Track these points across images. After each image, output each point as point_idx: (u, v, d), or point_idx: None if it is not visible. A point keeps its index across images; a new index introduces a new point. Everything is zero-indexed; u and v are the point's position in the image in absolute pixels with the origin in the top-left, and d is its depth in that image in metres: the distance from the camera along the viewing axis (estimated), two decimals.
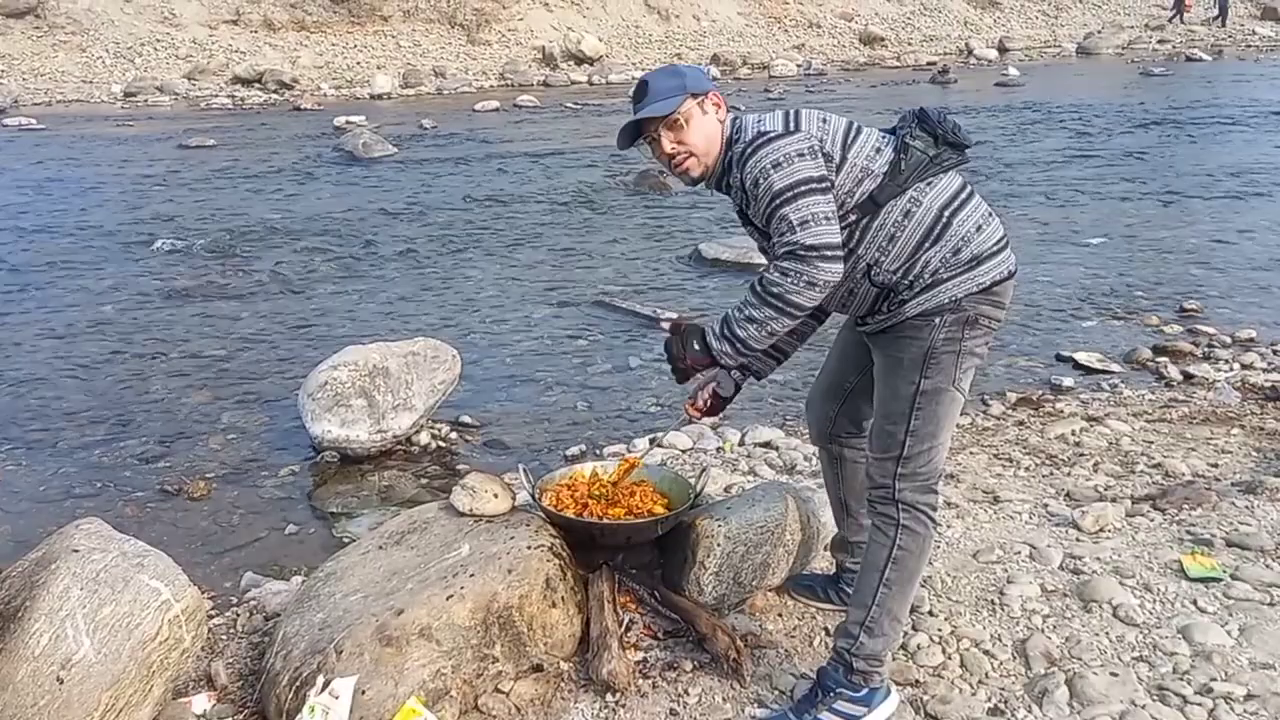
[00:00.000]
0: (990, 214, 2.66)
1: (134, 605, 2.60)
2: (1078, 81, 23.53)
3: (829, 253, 2.44)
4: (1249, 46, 32.14)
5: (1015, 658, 2.98)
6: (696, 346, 2.66)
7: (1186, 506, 3.96)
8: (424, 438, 5.28)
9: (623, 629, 3.10)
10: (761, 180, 2.53)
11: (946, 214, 2.57)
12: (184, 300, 7.91)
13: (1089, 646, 2.99)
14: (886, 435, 2.68)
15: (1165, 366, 5.98)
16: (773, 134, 2.56)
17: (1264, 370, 5.87)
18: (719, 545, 3.15)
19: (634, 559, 3.31)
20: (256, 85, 23.81)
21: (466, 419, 5.53)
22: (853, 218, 2.57)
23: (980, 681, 2.90)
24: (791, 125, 2.59)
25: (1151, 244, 9.14)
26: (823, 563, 3.56)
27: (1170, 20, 36.49)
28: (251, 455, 5.23)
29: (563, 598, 3.03)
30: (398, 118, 18.81)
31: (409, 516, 3.38)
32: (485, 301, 7.78)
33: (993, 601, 3.27)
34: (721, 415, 3.42)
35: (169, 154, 15.16)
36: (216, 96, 22.70)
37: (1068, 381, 5.83)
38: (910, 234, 2.57)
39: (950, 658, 3.00)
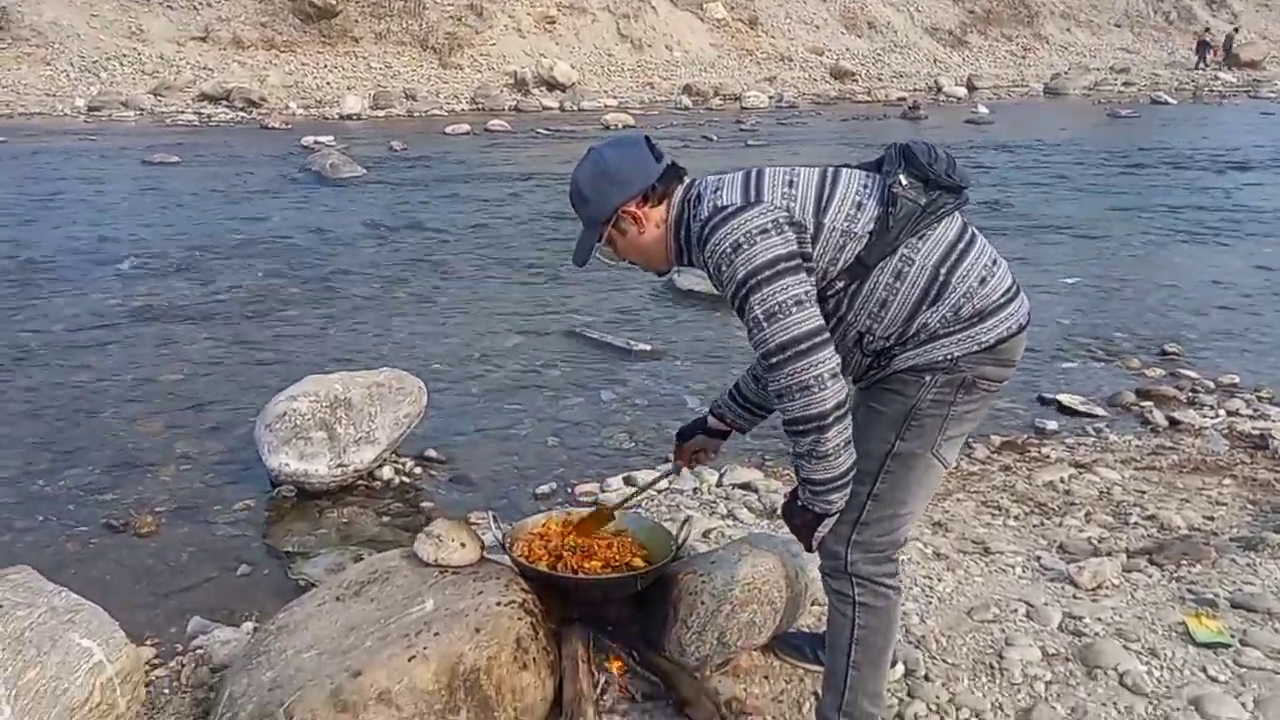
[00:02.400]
0: (996, 260, 2.37)
1: (62, 668, 2.37)
2: (1046, 121, 23.70)
3: (805, 345, 2.18)
4: (1212, 91, 32.62)
5: None
6: (800, 506, 2.38)
7: (1185, 562, 3.80)
8: (387, 472, 5.04)
9: (598, 692, 2.88)
10: (724, 267, 2.25)
11: (943, 271, 2.28)
12: (141, 322, 7.63)
13: (1096, 718, 2.80)
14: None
15: (1150, 411, 5.85)
16: (730, 209, 2.27)
17: (1250, 418, 5.75)
18: (703, 603, 2.95)
19: (611, 615, 3.10)
20: (224, 103, 23.54)
21: (432, 453, 5.29)
22: (840, 284, 2.29)
23: None
24: (752, 194, 2.29)
25: (1126, 284, 9.08)
26: (809, 619, 3.36)
27: (1196, 66, 37.10)
28: (204, 489, 4.96)
29: (534, 659, 2.80)
30: (367, 139, 18.59)
31: (369, 565, 3.15)
32: (453, 330, 7.55)
33: (991, 665, 3.08)
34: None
35: (132, 170, 14.85)
36: (183, 113, 22.40)
37: (1052, 425, 5.69)
38: (904, 297, 2.28)
39: None
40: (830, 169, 2.41)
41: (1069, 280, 9.15)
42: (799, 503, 2.37)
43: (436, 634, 2.71)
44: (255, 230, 10.89)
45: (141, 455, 5.31)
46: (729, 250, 2.24)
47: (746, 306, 2.23)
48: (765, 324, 2.20)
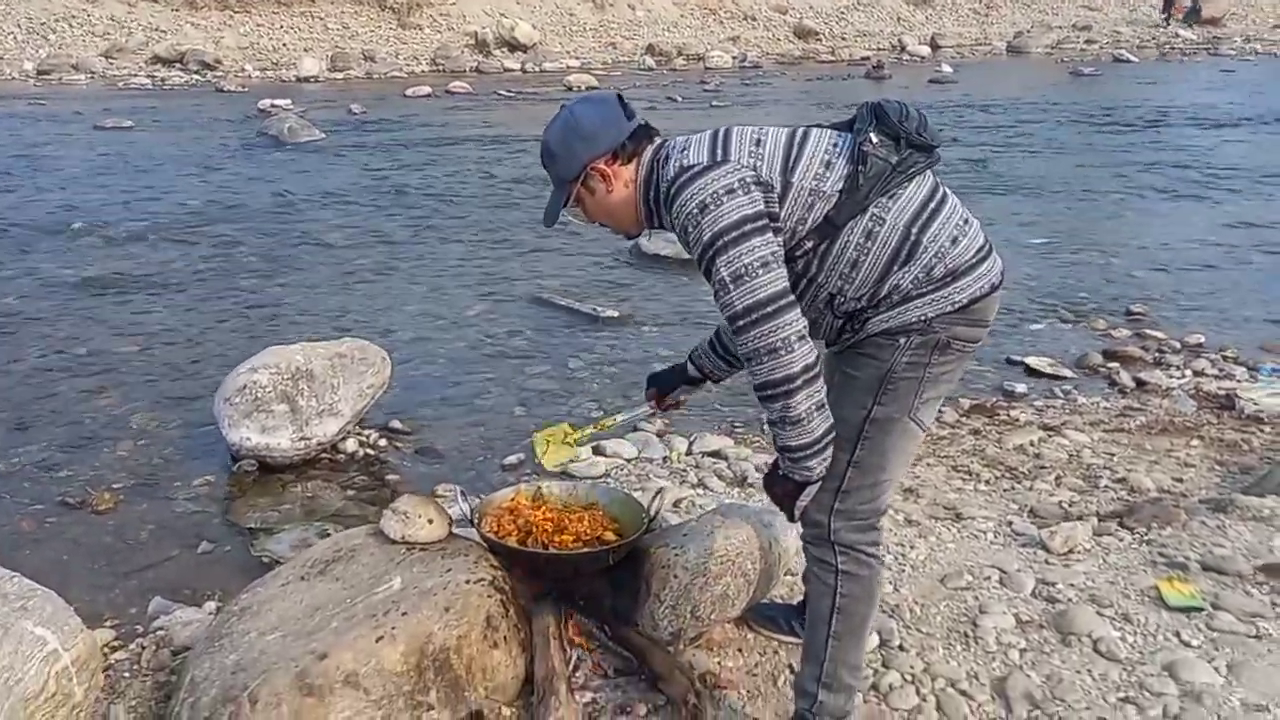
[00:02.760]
0: (967, 220, 2.34)
1: (15, 658, 2.28)
2: (1010, 80, 23.68)
3: (771, 307, 2.14)
4: (1172, 49, 32.69)
5: (994, 699, 2.77)
6: (780, 475, 2.33)
7: (1155, 525, 3.79)
8: (351, 445, 4.95)
9: (570, 669, 2.83)
10: (691, 228, 2.21)
11: (915, 230, 2.24)
12: (94, 292, 7.45)
13: (1072, 686, 2.79)
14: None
15: (1117, 372, 5.85)
16: (696, 169, 2.23)
17: (1216, 378, 5.77)
18: (676, 577, 2.90)
19: (583, 590, 3.05)
20: (178, 65, 23.03)
21: (397, 424, 5.21)
22: (809, 244, 2.25)
23: None
24: (719, 154, 2.25)
25: (1092, 244, 9.07)
26: (782, 589, 3.33)
27: (1164, 22, 37.03)
28: (163, 464, 4.85)
29: (505, 637, 2.75)
30: (325, 102, 18.28)
31: (334, 543, 3.08)
32: (416, 297, 7.44)
33: (966, 634, 3.06)
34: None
35: (83, 135, 14.50)
36: (135, 76, 21.90)
37: (1020, 387, 5.67)
38: (875, 257, 2.24)
39: (925, 700, 2.78)
40: (801, 128, 2.36)
41: (1036, 240, 9.14)
42: (779, 472, 2.33)
43: (404, 613, 2.65)
44: (211, 196, 10.67)
45: (98, 430, 5.19)
46: (695, 211, 2.20)
47: (713, 268, 2.19)
48: (732, 286, 2.16)
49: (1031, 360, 6.02)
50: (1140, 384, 5.69)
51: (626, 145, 2.37)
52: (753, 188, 2.20)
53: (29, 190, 10.80)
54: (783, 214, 2.22)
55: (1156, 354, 6.23)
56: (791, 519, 2.41)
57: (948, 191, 2.36)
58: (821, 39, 31.95)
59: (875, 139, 2.25)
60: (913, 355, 2.29)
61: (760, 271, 2.15)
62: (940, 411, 5.17)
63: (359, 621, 2.65)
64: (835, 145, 2.30)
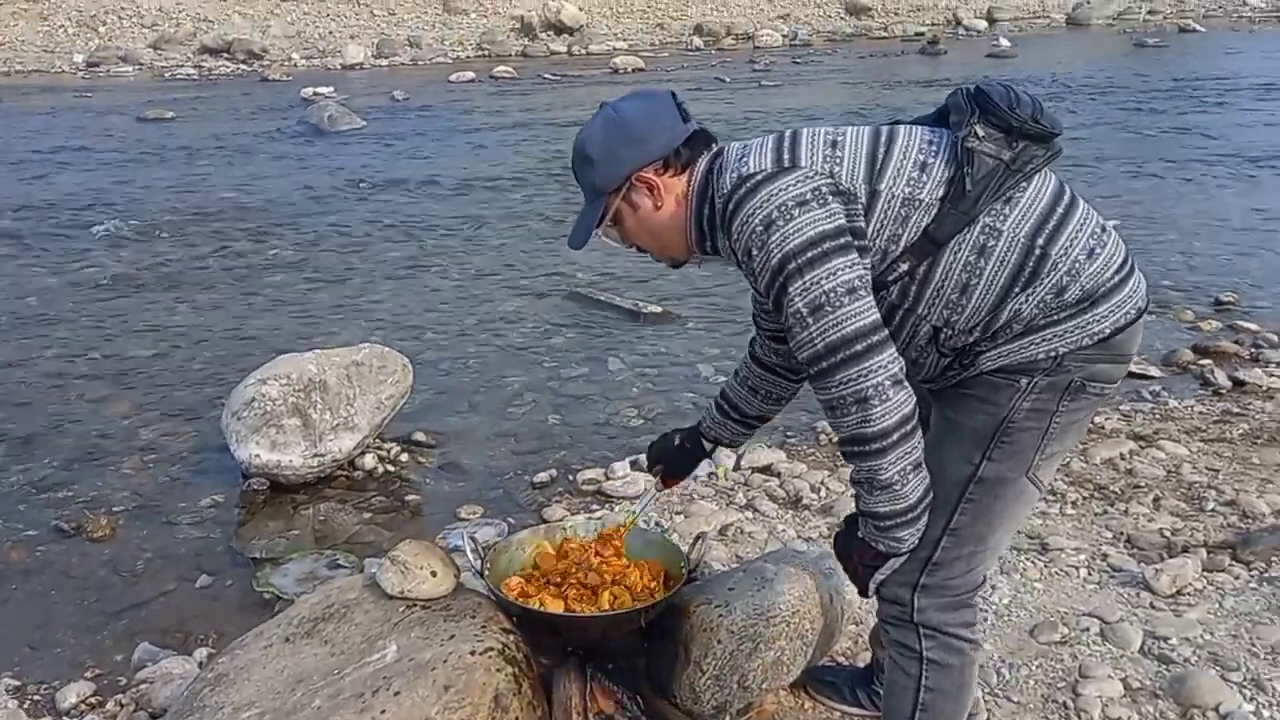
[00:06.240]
0: (1104, 227, 1.88)
1: None
2: (1071, 53, 22.79)
3: (860, 345, 1.72)
4: (1240, 18, 31.45)
5: None
6: (860, 540, 1.89)
7: (1276, 560, 3.29)
8: (369, 461, 4.55)
9: None
10: (755, 250, 1.79)
11: (1040, 243, 1.80)
12: (119, 291, 7.15)
13: None
14: None
15: (1211, 371, 5.30)
16: (759, 176, 1.81)
17: None
18: (720, 641, 2.45)
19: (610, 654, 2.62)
20: (225, 55, 22.88)
21: (420, 436, 4.81)
22: (904, 266, 1.80)
23: None
24: (786, 159, 1.83)
25: (1171, 226, 8.44)
26: (846, 642, 2.88)
27: None
28: (169, 482, 4.50)
29: (517, 718, 2.33)
30: (369, 89, 17.98)
31: (325, 597, 2.67)
32: (448, 293, 7.03)
33: (1065, 705, 2.59)
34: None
35: (126, 127, 14.30)
36: (182, 67, 21.80)
37: None
38: (991, 279, 1.79)
39: None
40: (885, 126, 1.91)
41: (1110, 223, 8.50)
42: (858, 534, 1.87)
43: (397, 692, 2.24)
44: (246, 189, 10.35)
45: (104, 444, 4.86)
46: (759, 228, 1.78)
47: (785, 298, 1.77)
48: (810, 319, 1.74)
49: None
50: (1238, 384, 5.14)
51: (681, 152, 1.96)
52: (830, 199, 1.78)
53: (62, 183, 10.55)
54: (870, 230, 1.81)
55: (1253, 349, 5.66)
56: (864, 594, 1.96)
57: (1075, 193, 1.89)
58: (874, 15, 31.06)
59: (981, 132, 1.80)
60: (1036, 400, 1.84)
61: (845, 300, 1.73)
62: None
63: (344, 702, 2.24)
64: (931, 143, 1.87)
